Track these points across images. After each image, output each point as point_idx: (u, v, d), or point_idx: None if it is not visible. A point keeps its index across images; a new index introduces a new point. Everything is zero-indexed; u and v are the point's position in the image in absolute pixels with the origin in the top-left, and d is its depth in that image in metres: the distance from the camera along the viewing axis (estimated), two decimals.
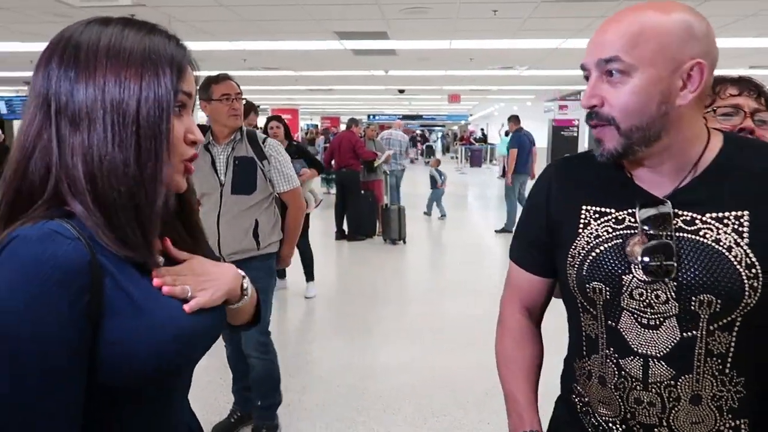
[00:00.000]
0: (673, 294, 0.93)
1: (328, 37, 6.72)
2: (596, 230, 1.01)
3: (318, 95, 16.43)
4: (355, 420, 3.07)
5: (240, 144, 2.63)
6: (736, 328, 0.92)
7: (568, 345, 1.13)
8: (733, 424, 0.95)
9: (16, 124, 11.40)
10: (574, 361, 1.09)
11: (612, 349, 0.99)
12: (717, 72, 1.00)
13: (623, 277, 0.96)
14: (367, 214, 7.89)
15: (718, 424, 0.95)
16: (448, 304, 5.12)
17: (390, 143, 9.00)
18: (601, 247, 0.99)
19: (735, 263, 0.90)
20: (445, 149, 30.94)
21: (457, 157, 23.69)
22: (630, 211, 0.98)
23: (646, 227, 0.95)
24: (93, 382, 0.73)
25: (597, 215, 1.02)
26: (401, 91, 14.90)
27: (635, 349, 0.97)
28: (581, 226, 1.03)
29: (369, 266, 6.70)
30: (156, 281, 0.80)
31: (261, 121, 6.15)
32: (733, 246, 0.91)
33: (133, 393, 0.78)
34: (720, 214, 0.93)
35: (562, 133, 11.37)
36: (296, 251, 5.27)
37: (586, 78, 0.96)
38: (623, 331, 0.97)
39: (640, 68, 0.90)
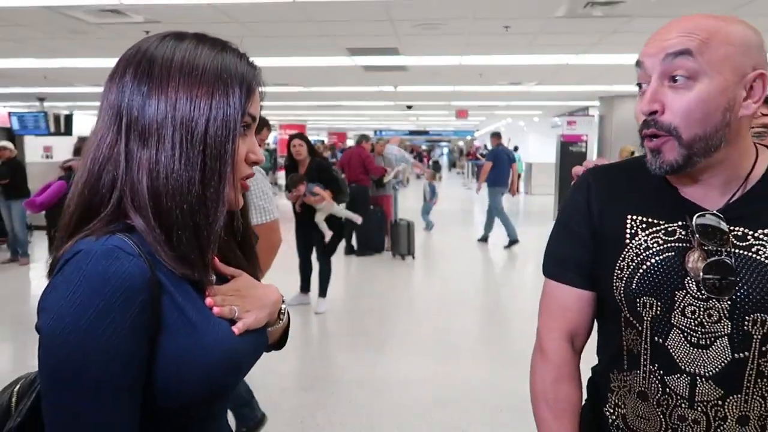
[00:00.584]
0: (726, 313, 0.90)
1: (339, 53, 6.76)
2: (645, 241, 0.96)
3: (326, 111, 16.51)
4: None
5: None
6: None
7: (602, 355, 1.11)
8: None
9: (28, 140, 11.49)
10: (610, 372, 1.06)
11: (657, 365, 0.96)
12: None
13: (676, 292, 0.93)
14: (376, 230, 7.88)
15: None
16: (459, 319, 5.09)
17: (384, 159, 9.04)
18: (653, 260, 0.95)
19: None
20: (451, 165, 30.99)
21: (463, 173, 23.68)
22: (681, 223, 0.95)
23: (703, 242, 0.92)
24: (147, 399, 0.73)
25: (644, 225, 0.98)
26: (409, 107, 14.96)
27: (683, 367, 0.94)
28: (628, 236, 0.98)
29: (378, 281, 6.68)
30: (208, 300, 0.80)
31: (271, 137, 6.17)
32: None
33: (183, 411, 0.77)
34: None
35: (571, 148, 11.36)
36: (315, 265, 5.31)
37: (639, 86, 0.93)
38: (671, 348, 0.94)
39: (709, 73, 0.87)
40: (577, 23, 5.20)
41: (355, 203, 7.71)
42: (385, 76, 8.74)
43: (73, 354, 0.65)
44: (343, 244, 7.85)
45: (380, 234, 7.92)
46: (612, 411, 1.06)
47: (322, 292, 5.29)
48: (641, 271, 0.95)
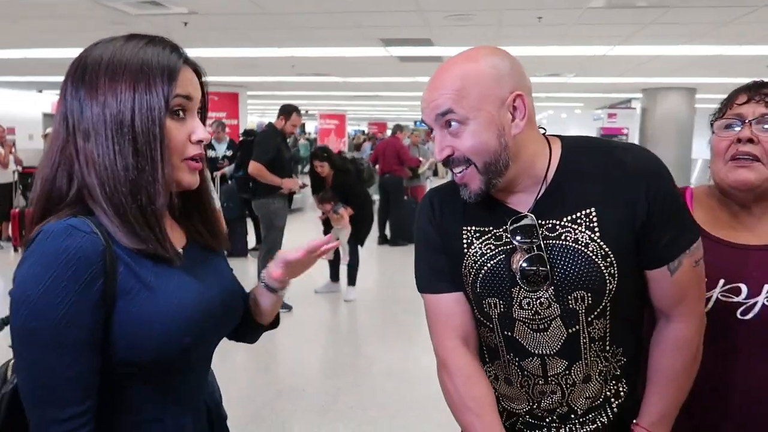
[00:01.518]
0: (553, 298, 1.03)
1: (373, 44, 6.80)
2: (480, 248, 1.08)
3: (365, 101, 16.58)
4: (392, 424, 3.09)
5: None
6: (608, 313, 1.04)
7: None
8: (614, 389, 1.11)
9: None
10: (484, 366, 1.16)
11: (512, 354, 1.10)
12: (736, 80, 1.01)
13: (512, 290, 1.05)
14: (409, 220, 7.91)
15: (603, 391, 1.10)
16: None
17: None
18: (489, 264, 1.07)
19: (593, 257, 1.01)
20: None
21: None
22: (504, 228, 1.06)
23: (518, 241, 1.03)
24: (110, 359, 0.84)
25: (478, 234, 1.09)
26: None
27: (532, 351, 1.07)
28: (465, 245, 1.10)
29: (410, 272, 6.69)
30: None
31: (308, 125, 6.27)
32: (589, 242, 1.02)
33: (146, 369, 0.87)
34: (573, 216, 1.03)
35: None
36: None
37: (430, 133, 1.06)
38: (519, 338, 1.07)
39: (471, 116, 0.99)
40: (612, 14, 5.09)
41: (387, 194, 7.77)
42: (421, 66, 8.72)
43: (31, 316, 0.78)
44: (376, 234, 7.93)
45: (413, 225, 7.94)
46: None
47: (351, 281, 5.38)
48: (481, 275, 1.07)
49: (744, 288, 1.17)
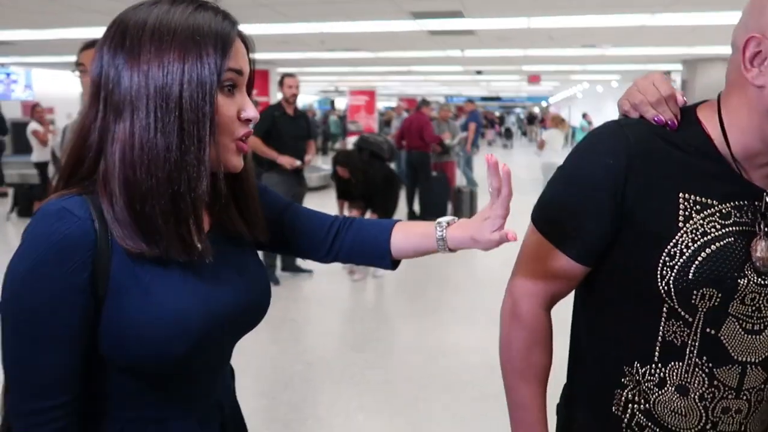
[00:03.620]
0: None
1: (403, 17, 6.69)
2: (701, 226, 0.86)
3: (395, 76, 16.44)
4: (416, 396, 3.11)
5: None
6: None
7: (603, 345, 0.99)
8: None
9: None
10: (626, 365, 0.94)
11: (705, 358, 0.88)
12: None
13: (739, 281, 0.85)
14: (439, 196, 7.86)
15: (763, 416, 0.94)
16: None
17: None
18: (712, 247, 0.85)
19: None
20: (522, 133, 29.64)
21: (533, 140, 23.06)
22: (734, 203, 0.87)
23: (767, 226, 0.85)
24: (101, 356, 0.78)
25: (699, 207, 0.86)
26: (479, 72, 14.65)
27: (735, 357, 0.88)
28: (681, 218, 0.86)
29: None
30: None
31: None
32: None
33: (136, 371, 0.80)
34: None
35: None
36: None
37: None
38: (724, 338, 0.88)
39: None
40: None
41: (415, 170, 7.72)
42: (452, 40, 8.58)
43: (12, 299, 0.73)
44: (405, 209, 7.91)
45: (443, 200, 7.90)
46: (622, 409, 0.95)
47: None
48: (700, 259, 0.85)
49: None
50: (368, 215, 5.16)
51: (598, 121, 19.65)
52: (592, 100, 23.33)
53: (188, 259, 0.78)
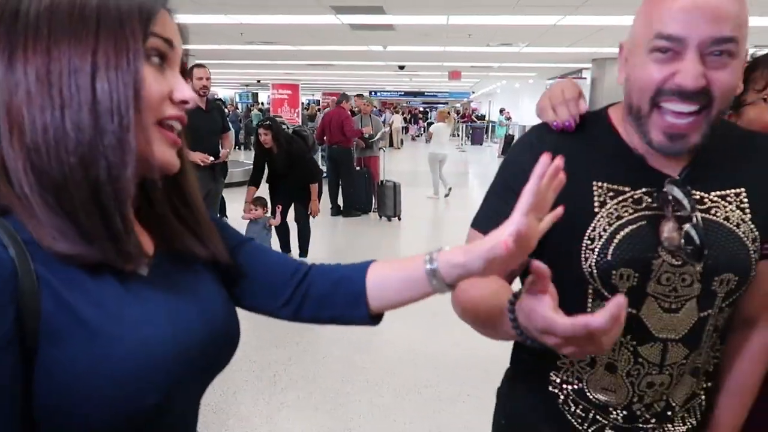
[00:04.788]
0: (698, 276, 0.91)
1: (324, 11, 6.66)
2: (616, 210, 0.93)
3: (318, 70, 16.31)
4: (339, 391, 3.13)
5: None
6: (737, 303, 0.96)
7: None
8: (704, 386, 1.03)
9: None
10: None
11: (629, 336, 0.94)
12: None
13: (653, 262, 0.91)
14: (362, 191, 7.91)
15: (694, 388, 1.02)
16: None
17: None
18: (627, 230, 0.92)
19: (744, 239, 0.92)
20: None
21: (458, 135, 23.59)
22: (645, 190, 0.93)
23: (674, 210, 0.91)
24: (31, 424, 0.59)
25: (613, 194, 0.94)
26: (401, 68, 14.78)
27: (656, 335, 0.94)
28: (597, 204, 0.94)
29: (363, 242, 6.75)
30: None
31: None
32: (741, 223, 0.93)
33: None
34: (722, 192, 0.94)
35: None
36: (295, 226, 5.33)
37: (662, 50, 0.84)
38: (644, 317, 0.93)
39: (742, 50, 0.84)
40: None
41: (337, 165, 7.72)
42: (373, 35, 8.62)
43: None
44: (329, 204, 7.90)
45: (367, 195, 7.95)
46: (559, 389, 1.02)
47: (303, 252, 5.36)
48: (616, 241, 0.91)
49: None
50: (270, 220, 4.99)
51: (515, 116, 20.34)
52: (510, 96, 24.12)
53: (124, 266, 0.63)
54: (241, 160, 11.67)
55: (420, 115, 30.38)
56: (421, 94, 27.89)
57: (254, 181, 5.05)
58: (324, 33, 8.42)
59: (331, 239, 7.01)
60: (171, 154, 0.68)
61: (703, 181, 0.94)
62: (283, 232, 5.32)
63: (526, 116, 19.28)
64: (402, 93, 27.29)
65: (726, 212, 0.93)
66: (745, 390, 1.04)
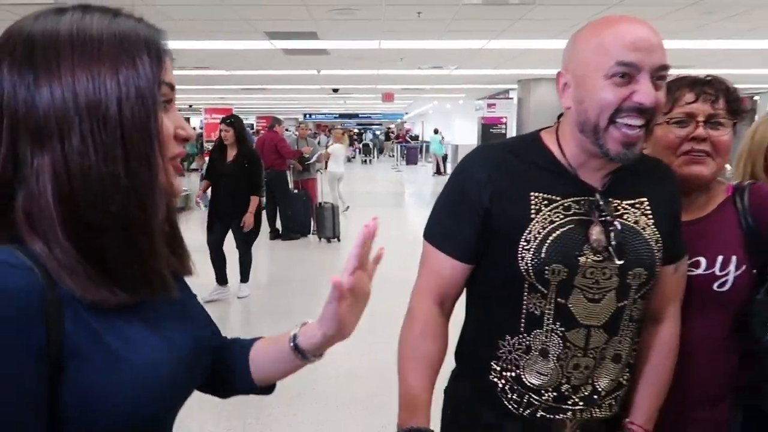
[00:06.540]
0: (617, 270, 1.08)
1: (258, 37, 6.73)
2: (549, 216, 1.09)
3: (252, 94, 16.25)
4: (285, 413, 3.14)
5: None
6: (647, 297, 1.14)
7: (481, 326, 1.19)
8: (627, 375, 1.17)
9: None
10: (500, 339, 1.13)
11: (559, 323, 1.09)
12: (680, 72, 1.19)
13: (579, 258, 1.07)
14: (301, 213, 7.93)
15: (618, 376, 1.15)
16: (383, 300, 5.22)
17: None
18: (558, 232, 1.08)
19: (649, 240, 1.11)
20: (379, 150, 28.16)
21: (393, 155, 23.91)
22: (574, 199, 1.10)
23: (600, 215, 1.08)
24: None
25: (547, 202, 1.10)
26: (335, 90, 14.96)
27: (581, 322, 1.09)
28: (533, 211, 1.09)
29: (304, 265, 6.76)
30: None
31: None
32: (646, 226, 1.11)
33: None
34: (632, 201, 1.12)
35: (491, 130, 11.81)
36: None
37: (622, 75, 1.00)
38: (572, 306, 1.09)
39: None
40: (486, 10, 5.41)
41: (272, 189, 7.72)
42: (307, 59, 8.73)
43: None
44: (267, 229, 7.87)
45: (306, 217, 7.98)
46: (498, 377, 1.14)
47: (244, 278, 5.27)
48: (549, 242, 1.07)
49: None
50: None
51: (447, 135, 20.84)
52: (442, 117, 24.73)
53: (157, 297, 0.68)
54: None
55: (355, 137, 30.62)
56: (355, 116, 28.16)
57: (208, 176, 5.28)
58: (258, 58, 8.47)
59: (271, 263, 6.98)
60: (179, 181, 0.74)
61: (619, 191, 1.12)
62: (219, 261, 5.07)
63: (458, 136, 19.80)
64: (337, 115, 27.47)
65: (635, 217, 1.11)
66: (658, 378, 1.20)
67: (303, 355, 0.86)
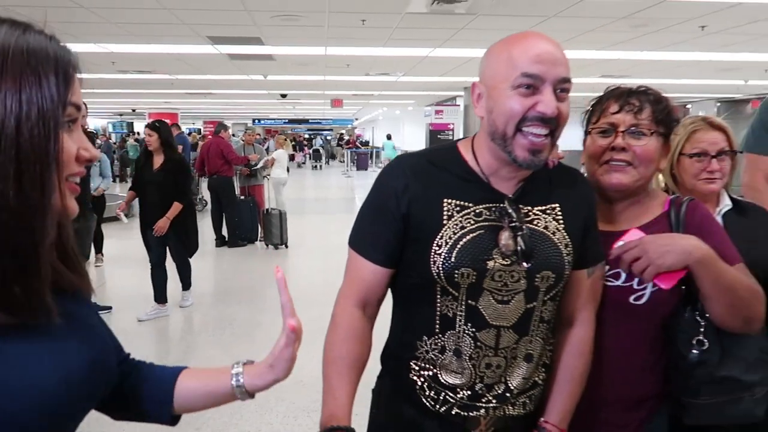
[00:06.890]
0: (524, 273, 1.12)
1: (201, 41, 6.63)
2: (460, 222, 1.13)
3: (198, 99, 15.97)
4: (227, 423, 3.11)
5: None
6: (557, 299, 1.19)
7: (403, 328, 1.24)
8: (542, 375, 1.22)
9: None
10: (418, 340, 1.18)
11: (470, 324, 1.13)
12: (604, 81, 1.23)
13: (488, 262, 1.11)
14: (248, 219, 7.84)
15: (531, 376, 1.20)
16: (330, 308, 5.21)
17: None
18: (468, 237, 1.11)
19: (558, 244, 1.15)
20: (330, 156, 28.01)
21: (343, 161, 23.92)
22: (485, 206, 1.14)
23: (509, 221, 1.12)
24: None
25: (459, 208, 1.14)
26: (283, 96, 14.86)
27: (491, 322, 1.13)
28: (445, 217, 1.13)
29: (251, 272, 6.67)
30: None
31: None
32: (556, 231, 1.16)
33: None
34: (543, 207, 1.17)
35: (439, 136, 11.98)
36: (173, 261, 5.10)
37: (527, 86, 1.06)
38: (482, 308, 1.12)
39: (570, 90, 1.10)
40: (430, 19, 5.50)
41: (218, 195, 7.61)
42: (253, 64, 8.67)
43: None
44: (212, 236, 7.74)
45: (253, 224, 7.88)
46: (417, 375, 1.19)
47: (186, 285, 5.15)
48: (458, 247, 1.11)
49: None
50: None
51: (397, 141, 21.03)
52: (392, 122, 24.91)
53: (39, 321, 0.67)
54: (116, 193, 11.09)
55: (305, 142, 30.47)
56: (305, 121, 28.03)
57: (134, 186, 5.04)
58: (202, 62, 8.35)
59: (217, 271, 6.86)
60: (74, 202, 0.72)
61: (530, 198, 1.16)
62: (159, 279, 4.88)
63: (408, 142, 19.99)
64: (287, 120, 27.31)
65: (546, 223, 1.16)
66: (572, 379, 1.23)
67: (247, 394, 0.89)
